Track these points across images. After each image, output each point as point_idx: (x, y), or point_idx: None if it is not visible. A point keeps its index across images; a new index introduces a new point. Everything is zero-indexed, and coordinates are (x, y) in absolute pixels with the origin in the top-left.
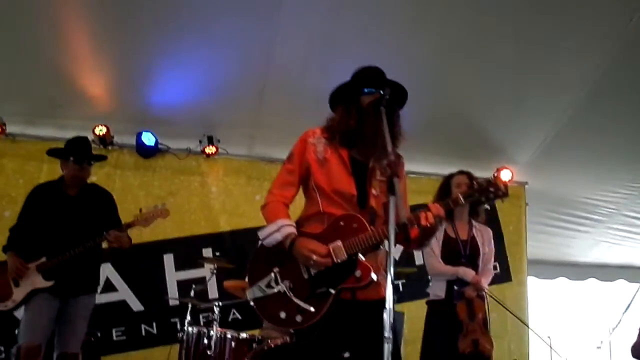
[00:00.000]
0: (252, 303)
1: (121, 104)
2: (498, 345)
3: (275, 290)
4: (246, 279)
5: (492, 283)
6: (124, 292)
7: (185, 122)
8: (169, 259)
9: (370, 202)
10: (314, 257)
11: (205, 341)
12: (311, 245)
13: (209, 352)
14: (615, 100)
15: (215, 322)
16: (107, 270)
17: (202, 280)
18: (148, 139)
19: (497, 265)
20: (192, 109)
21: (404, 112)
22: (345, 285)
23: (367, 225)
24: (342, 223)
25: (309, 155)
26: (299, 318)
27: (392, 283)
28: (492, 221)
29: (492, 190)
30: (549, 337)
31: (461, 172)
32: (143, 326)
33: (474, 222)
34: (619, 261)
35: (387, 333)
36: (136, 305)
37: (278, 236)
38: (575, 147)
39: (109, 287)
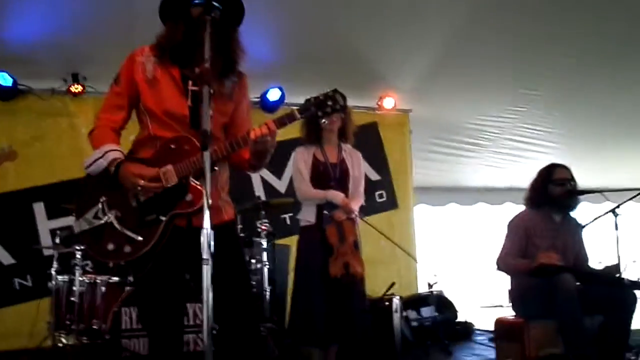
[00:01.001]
0: (78, 237)
1: None
2: (388, 272)
3: (103, 221)
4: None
5: (380, 210)
6: None
7: (46, 60)
8: (39, 208)
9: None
10: (141, 182)
11: (75, 288)
12: (137, 169)
13: (76, 300)
14: (497, 22)
15: (77, 268)
16: None
17: None
18: (3, 79)
19: (384, 193)
20: (54, 45)
21: (280, 45)
22: (176, 211)
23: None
24: (172, 146)
25: (137, 76)
26: (127, 249)
27: (209, 203)
28: (377, 149)
29: (330, 104)
30: (415, 261)
31: None
32: (16, 280)
33: (343, 146)
34: (505, 184)
35: (206, 255)
36: (6, 258)
37: (103, 162)
38: (456, 72)
39: None
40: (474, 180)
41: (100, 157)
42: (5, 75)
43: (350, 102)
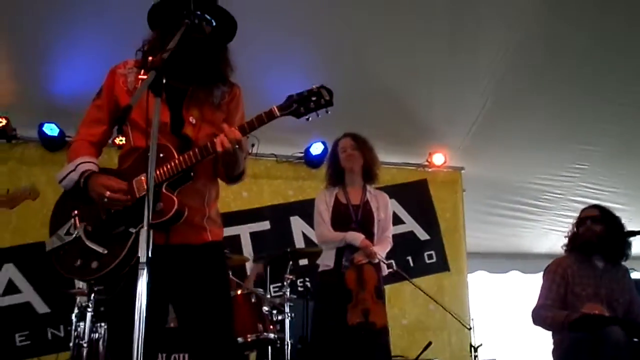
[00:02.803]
0: (50, 256)
1: (22, 95)
2: (437, 338)
3: (73, 236)
4: None
5: (429, 272)
6: (28, 294)
7: None
8: None
9: (186, 130)
10: (107, 192)
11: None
12: (106, 180)
13: (85, 347)
14: (547, 72)
15: (89, 311)
16: (9, 271)
17: None
18: (50, 129)
19: (434, 254)
20: None
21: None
22: None
23: (176, 153)
24: (148, 155)
25: (118, 88)
26: (94, 264)
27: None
28: (427, 208)
29: (314, 100)
30: (472, 318)
31: (345, 135)
32: (49, 330)
33: (368, 187)
34: None
35: (143, 258)
36: (41, 307)
37: (74, 176)
38: (508, 128)
39: (12, 288)
40: (537, 246)
41: (72, 170)
42: (53, 126)
43: (399, 158)
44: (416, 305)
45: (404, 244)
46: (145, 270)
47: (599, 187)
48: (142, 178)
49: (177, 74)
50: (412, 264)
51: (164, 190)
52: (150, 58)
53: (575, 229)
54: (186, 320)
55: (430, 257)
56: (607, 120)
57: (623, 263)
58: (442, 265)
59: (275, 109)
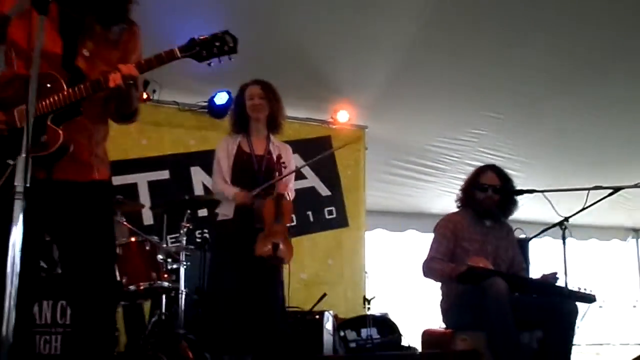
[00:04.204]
0: None
1: None
2: (333, 292)
3: None
4: None
5: (329, 228)
6: None
7: None
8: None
9: (79, 62)
10: None
11: None
12: None
13: None
14: (457, 39)
15: None
16: None
17: None
18: None
19: (334, 209)
20: None
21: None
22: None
23: (65, 85)
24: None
25: (6, 7)
26: None
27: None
28: (329, 164)
29: (217, 45)
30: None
31: (254, 82)
32: None
33: (272, 138)
34: None
35: (20, 187)
36: None
37: None
38: (414, 90)
39: None
40: (433, 206)
41: None
42: None
43: (303, 114)
44: (315, 260)
45: (304, 199)
46: (20, 201)
47: (494, 152)
48: (24, 107)
49: (74, 2)
50: (312, 219)
51: (49, 123)
52: None
53: (472, 189)
54: (66, 261)
55: (330, 212)
56: (512, 90)
57: (507, 222)
58: (341, 221)
59: (177, 49)
